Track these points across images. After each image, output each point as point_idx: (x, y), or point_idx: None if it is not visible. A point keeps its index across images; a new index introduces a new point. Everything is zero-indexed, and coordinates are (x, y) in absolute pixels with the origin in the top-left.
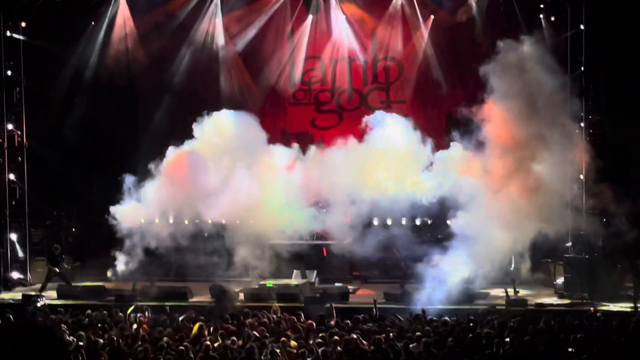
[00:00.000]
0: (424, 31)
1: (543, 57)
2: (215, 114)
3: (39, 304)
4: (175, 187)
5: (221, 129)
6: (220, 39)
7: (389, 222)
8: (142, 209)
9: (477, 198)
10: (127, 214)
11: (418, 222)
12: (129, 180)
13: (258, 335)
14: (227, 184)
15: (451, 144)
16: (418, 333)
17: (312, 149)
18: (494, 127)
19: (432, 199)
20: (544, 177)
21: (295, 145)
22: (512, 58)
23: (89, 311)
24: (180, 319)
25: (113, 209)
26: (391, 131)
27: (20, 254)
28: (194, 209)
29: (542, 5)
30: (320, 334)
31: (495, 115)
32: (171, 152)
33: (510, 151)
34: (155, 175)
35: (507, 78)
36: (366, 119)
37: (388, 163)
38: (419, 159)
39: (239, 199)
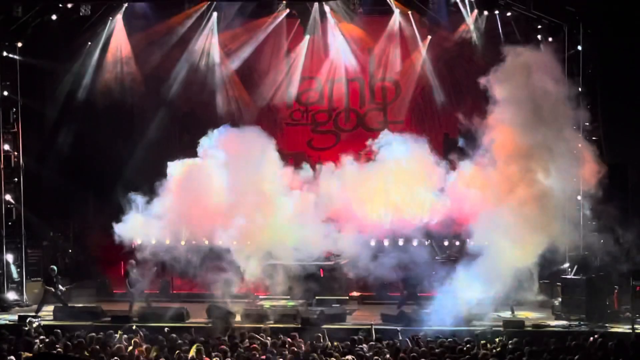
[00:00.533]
0: (422, 51)
1: (548, 64)
2: (222, 129)
3: (34, 325)
4: (179, 205)
5: (229, 145)
6: (217, 58)
7: (385, 242)
8: (144, 227)
9: (487, 215)
10: (130, 231)
11: (416, 243)
12: (134, 198)
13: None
14: (232, 202)
15: (460, 163)
16: (415, 354)
17: (322, 167)
18: (499, 137)
19: (438, 219)
20: (549, 190)
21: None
22: (517, 63)
23: (77, 332)
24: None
25: (117, 227)
26: (402, 151)
27: (16, 275)
28: (195, 227)
29: (539, 27)
30: (315, 356)
31: (500, 125)
32: (174, 168)
33: (515, 160)
34: (159, 193)
35: (511, 84)
36: (378, 138)
37: (398, 183)
38: (430, 179)
39: (243, 219)
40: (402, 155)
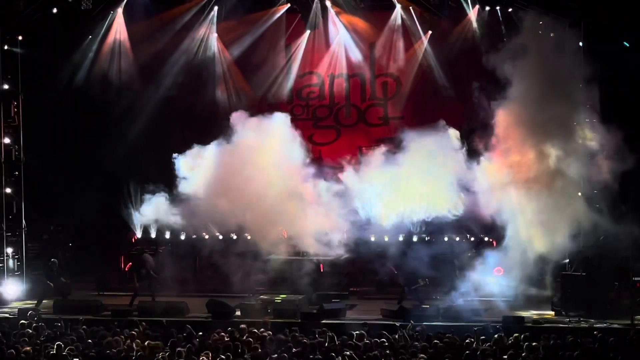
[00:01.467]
0: (423, 47)
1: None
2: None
3: (34, 319)
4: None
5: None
6: (217, 52)
7: (385, 238)
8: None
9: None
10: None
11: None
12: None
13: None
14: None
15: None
16: (414, 350)
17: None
18: (510, 115)
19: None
20: (564, 169)
21: None
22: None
23: (84, 327)
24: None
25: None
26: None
27: (16, 268)
28: (221, 218)
29: (541, 22)
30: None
31: (511, 104)
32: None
33: (528, 137)
34: (178, 184)
35: (525, 57)
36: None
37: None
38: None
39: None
40: (428, 148)
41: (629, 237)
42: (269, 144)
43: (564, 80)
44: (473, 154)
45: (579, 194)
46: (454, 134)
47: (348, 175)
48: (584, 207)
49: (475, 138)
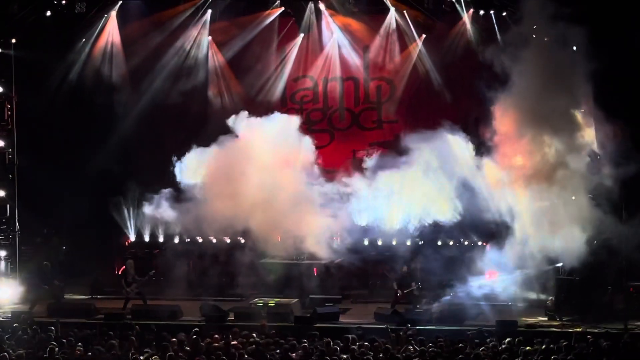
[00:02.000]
0: (417, 50)
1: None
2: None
3: (28, 322)
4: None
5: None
6: (210, 55)
7: (379, 242)
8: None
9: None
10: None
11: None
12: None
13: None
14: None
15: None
16: (408, 354)
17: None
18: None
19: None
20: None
21: None
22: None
23: (75, 329)
24: None
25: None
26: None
27: (10, 271)
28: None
29: (535, 26)
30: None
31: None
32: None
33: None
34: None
35: (524, 53)
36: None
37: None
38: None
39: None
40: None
41: (628, 240)
42: (270, 144)
43: (564, 75)
44: (475, 154)
45: (573, 198)
46: (459, 135)
47: (348, 178)
48: (585, 209)
49: (476, 138)
